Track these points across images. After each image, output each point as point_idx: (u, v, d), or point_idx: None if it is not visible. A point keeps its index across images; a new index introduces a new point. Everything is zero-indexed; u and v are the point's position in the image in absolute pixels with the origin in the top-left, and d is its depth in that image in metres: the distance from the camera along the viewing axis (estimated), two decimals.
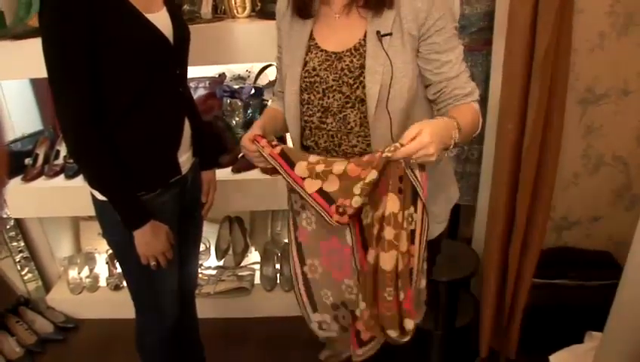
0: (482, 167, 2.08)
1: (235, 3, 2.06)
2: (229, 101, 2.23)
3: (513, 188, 1.84)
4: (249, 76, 2.38)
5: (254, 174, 2.11)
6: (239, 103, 2.23)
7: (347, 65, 1.22)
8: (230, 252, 2.64)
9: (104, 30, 1.21)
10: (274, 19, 1.90)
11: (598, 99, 1.97)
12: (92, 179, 1.36)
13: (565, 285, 2.03)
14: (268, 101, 2.22)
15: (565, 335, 1.96)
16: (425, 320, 1.97)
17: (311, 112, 1.28)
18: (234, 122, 2.22)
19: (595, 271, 2.06)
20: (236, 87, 2.27)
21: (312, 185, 1.21)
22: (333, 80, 1.23)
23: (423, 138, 1.04)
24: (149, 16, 1.31)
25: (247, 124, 2.18)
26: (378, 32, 1.18)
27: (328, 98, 1.25)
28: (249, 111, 2.22)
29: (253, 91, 2.23)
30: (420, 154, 1.05)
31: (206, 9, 2.03)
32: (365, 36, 1.20)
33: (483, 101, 1.26)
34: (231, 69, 2.44)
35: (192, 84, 2.35)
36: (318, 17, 1.27)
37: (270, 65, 2.30)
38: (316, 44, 1.27)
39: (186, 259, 1.64)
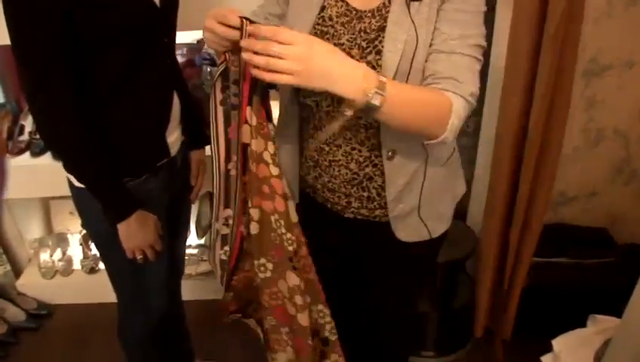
0: (480, 140, 1.99)
1: None
2: (209, 69, 2.06)
3: (516, 163, 1.76)
4: None
5: None
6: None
7: (365, 26, 1.06)
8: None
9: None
10: None
11: (601, 71, 1.89)
12: (68, 163, 1.20)
13: (562, 263, 1.99)
14: None
15: (562, 315, 1.92)
16: (421, 301, 1.93)
17: None
18: None
19: (592, 249, 2.01)
20: None
21: (246, 135, 1.09)
22: (348, 40, 1.07)
23: (301, 50, 0.87)
24: None
25: None
26: None
27: None
28: None
29: None
30: (271, 63, 0.87)
31: None
32: None
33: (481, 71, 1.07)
34: None
35: None
36: None
37: None
38: None
39: (175, 246, 1.51)
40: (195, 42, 2.22)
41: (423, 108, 0.98)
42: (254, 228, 1.16)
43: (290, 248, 1.15)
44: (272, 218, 1.13)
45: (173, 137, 1.33)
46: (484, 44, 1.04)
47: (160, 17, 1.22)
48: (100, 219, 1.23)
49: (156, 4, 1.19)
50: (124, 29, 1.13)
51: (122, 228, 1.22)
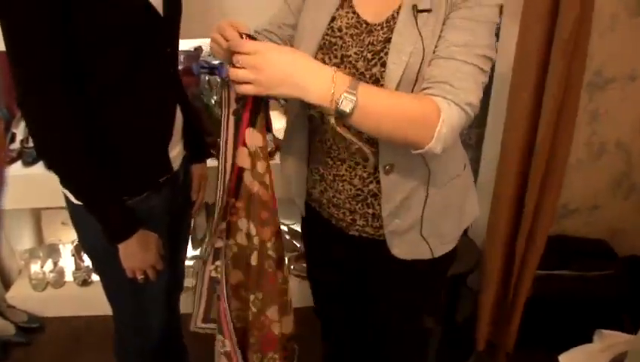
0: (484, 153, 1.97)
1: None
2: (207, 78, 2.02)
3: (522, 176, 1.74)
4: None
5: None
6: (218, 80, 2.03)
7: (374, 39, 1.03)
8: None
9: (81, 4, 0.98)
10: None
11: (605, 84, 1.88)
12: (63, 176, 1.13)
13: (565, 276, 1.97)
14: None
15: (564, 327, 1.91)
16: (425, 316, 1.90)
17: None
18: (212, 101, 2.01)
19: (594, 261, 2.00)
20: (215, 62, 2.06)
21: (243, 158, 1.06)
22: (355, 53, 1.04)
23: (256, 59, 0.88)
24: None
25: None
26: (415, 7, 0.98)
27: (345, 67, 1.05)
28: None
29: None
30: (232, 74, 0.90)
31: None
32: (400, 9, 1.01)
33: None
34: (207, 42, 2.21)
35: None
36: None
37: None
38: (351, 1, 1.07)
39: (175, 262, 1.46)
40: (193, 50, 2.17)
41: (403, 115, 0.92)
42: (254, 259, 1.13)
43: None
44: (268, 244, 1.11)
45: (176, 151, 1.28)
46: (493, 56, 0.99)
47: (163, 26, 1.17)
48: (99, 235, 1.16)
49: (159, 12, 1.15)
50: (124, 30, 1.07)
51: (122, 247, 1.17)
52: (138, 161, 1.19)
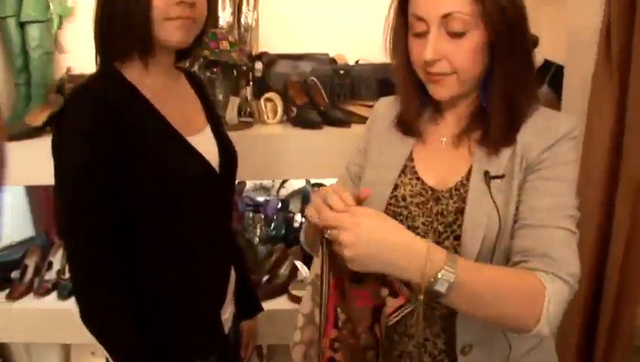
0: None
1: (266, 107, 1.85)
2: (251, 215, 1.97)
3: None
4: (272, 185, 2.14)
5: (279, 303, 1.82)
6: (262, 217, 1.98)
7: (443, 209, 0.96)
8: None
9: (136, 161, 0.98)
10: (311, 127, 1.74)
11: None
12: (110, 350, 1.04)
13: None
14: (294, 214, 1.98)
15: None
16: None
17: None
18: (256, 239, 1.96)
19: None
20: (260, 199, 2.02)
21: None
22: (423, 223, 0.97)
23: (348, 237, 0.77)
24: (191, 140, 1.07)
25: (271, 241, 1.93)
26: (487, 173, 0.92)
27: None
28: (272, 227, 1.97)
29: (279, 205, 1.99)
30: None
31: (232, 113, 1.80)
32: (469, 174, 0.95)
33: None
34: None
35: None
36: (423, 137, 1.03)
37: None
38: (413, 168, 1.02)
39: None
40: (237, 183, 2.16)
41: (505, 294, 0.81)
42: None
43: None
44: None
45: (227, 313, 1.20)
46: (578, 214, 0.91)
47: (219, 184, 1.14)
48: None
49: (216, 171, 1.11)
50: (176, 199, 1.04)
51: None
52: (188, 326, 1.10)
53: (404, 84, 1.02)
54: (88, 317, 1.02)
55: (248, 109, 1.89)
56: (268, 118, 1.85)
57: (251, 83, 1.97)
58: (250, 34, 2.03)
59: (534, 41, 1.84)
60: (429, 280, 0.77)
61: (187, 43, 1.05)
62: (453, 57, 0.89)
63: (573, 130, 0.94)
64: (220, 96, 1.82)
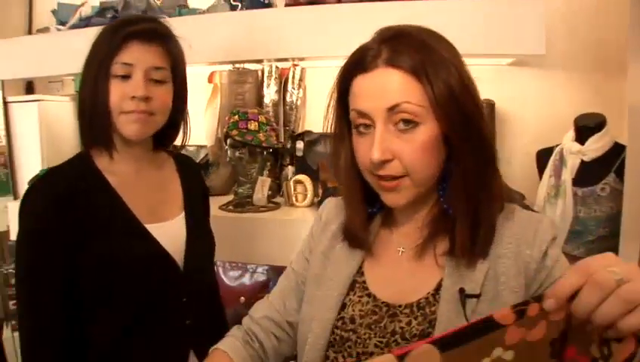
0: None
1: (295, 190, 1.79)
2: None
3: None
4: None
5: None
6: None
7: (402, 327, 0.80)
8: None
9: (88, 247, 1.00)
10: None
11: None
12: None
13: None
14: None
15: None
16: None
17: None
18: None
19: None
20: None
21: None
22: (376, 345, 0.81)
23: (600, 276, 0.53)
24: (152, 227, 1.06)
25: None
26: (462, 291, 0.76)
27: None
28: None
29: None
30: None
31: (260, 194, 1.76)
32: (438, 289, 0.79)
33: None
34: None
35: (249, 267, 2.04)
36: (375, 246, 0.89)
37: None
38: (364, 283, 0.87)
39: None
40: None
41: None
42: None
43: None
44: None
45: None
46: None
47: (180, 278, 1.10)
48: None
49: (177, 264, 1.09)
50: (126, 290, 1.04)
51: None
52: None
53: (348, 190, 0.89)
54: None
55: (281, 192, 1.86)
56: (297, 200, 1.79)
57: (294, 162, 1.95)
58: (295, 112, 2.02)
59: (599, 123, 1.60)
60: None
61: (144, 136, 1.07)
62: (404, 156, 0.76)
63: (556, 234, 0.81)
64: (252, 177, 1.80)
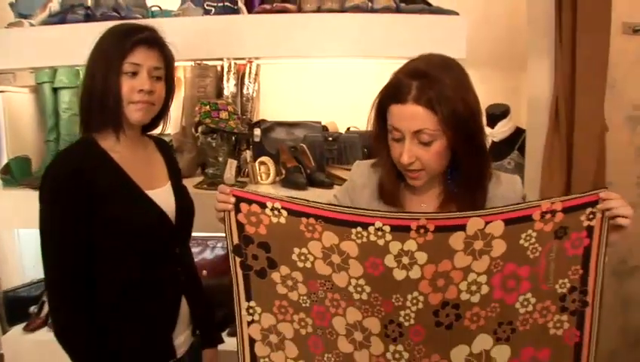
0: None
1: (260, 170, 2.07)
2: None
3: None
4: None
5: None
6: None
7: None
8: None
9: (101, 211, 1.22)
10: (297, 188, 1.94)
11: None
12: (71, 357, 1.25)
13: None
14: None
15: None
16: None
17: None
18: None
19: None
20: None
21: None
22: None
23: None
24: (150, 193, 1.31)
25: None
26: None
27: None
28: None
29: None
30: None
31: (229, 174, 2.03)
32: None
33: None
34: None
35: (210, 243, 2.30)
36: (404, 206, 1.23)
37: None
38: None
39: None
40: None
41: None
42: None
43: None
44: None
45: (181, 339, 1.38)
46: None
47: (174, 233, 1.36)
48: None
49: (172, 221, 1.34)
50: (135, 244, 1.27)
51: None
52: (141, 346, 1.30)
53: (385, 161, 1.22)
54: (59, 335, 1.23)
55: (247, 170, 2.13)
56: (261, 178, 2.06)
57: (251, 147, 2.22)
58: (251, 103, 2.29)
59: (504, 112, 2.05)
60: None
61: (146, 121, 1.32)
62: (423, 160, 1.13)
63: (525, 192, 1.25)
64: (220, 159, 2.05)
